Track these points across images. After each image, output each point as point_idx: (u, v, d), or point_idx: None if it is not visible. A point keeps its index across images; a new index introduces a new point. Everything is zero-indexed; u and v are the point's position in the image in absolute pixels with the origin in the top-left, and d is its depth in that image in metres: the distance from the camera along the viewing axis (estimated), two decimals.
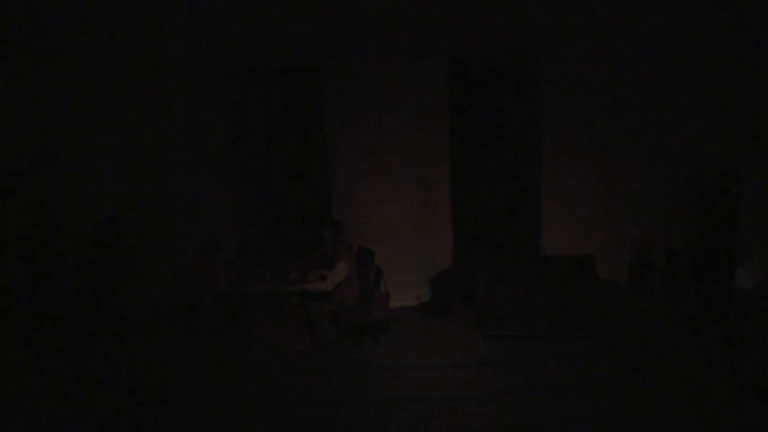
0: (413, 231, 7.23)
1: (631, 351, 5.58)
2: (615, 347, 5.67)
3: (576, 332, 5.89)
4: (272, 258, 6.52)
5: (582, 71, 6.82)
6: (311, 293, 5.75)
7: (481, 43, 6.78)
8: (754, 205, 6.74)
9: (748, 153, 6.76)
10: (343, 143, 7.09)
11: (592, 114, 6.93)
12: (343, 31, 6.68)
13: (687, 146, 6.92)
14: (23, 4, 6.29)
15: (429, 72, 6.93)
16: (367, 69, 6.93)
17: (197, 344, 6.07)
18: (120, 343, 6.19)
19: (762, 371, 4.95)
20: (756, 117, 6.75)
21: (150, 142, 6.88)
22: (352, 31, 6.67)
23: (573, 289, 6.18)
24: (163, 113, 6.84)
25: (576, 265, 6.43)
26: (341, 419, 4.51)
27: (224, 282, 5.97)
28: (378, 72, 6.92)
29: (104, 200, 6.84)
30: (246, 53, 6.84)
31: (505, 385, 4.97)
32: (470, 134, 7.09)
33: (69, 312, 6.49)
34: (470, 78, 6.97)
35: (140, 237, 6.95)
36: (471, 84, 6.98)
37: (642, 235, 7.01)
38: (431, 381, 5.10)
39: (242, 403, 4.79)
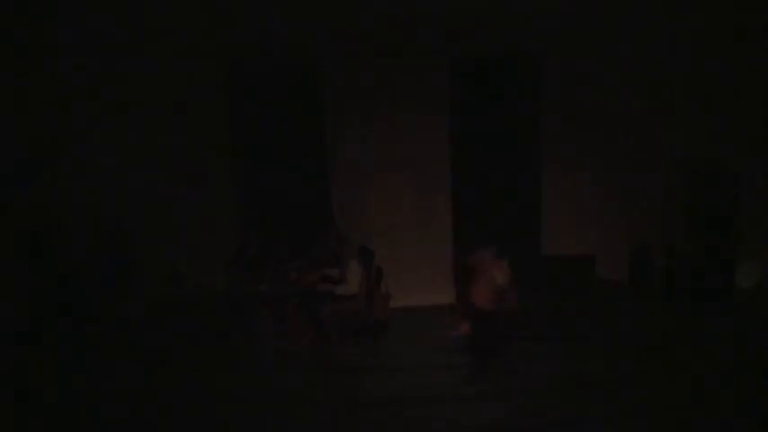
0: (413, 231, 7.23)
1: (631, 351, 5.57)
2: (614, 348, 5.67)
3: (575, 332, 5.88)
4: (271, 259, 6.51)
5: (582, 71, 6.82)
6: (337, 295, 5.88)
7: (481, 43, 6.78)
8: (754, 205, 6.74)
9: (748, 153, 6.76)
10: (343, 143, 7.09)
11: (592, 114, 6.93)
12: (344, 31, 6.68)
13: (687, 146, 6.92)
14: (24, 3, 6.29)
15: (429, 72, 6.93)
16: (367, 69, 6.93)
17: (197, 344, 6.07)
18: (121, 342, 6.19)
19: (762, 370, 4.95)
20: (756, 117, 6.75)
21: (151, 142, 6.88)
22: (353, 31, 6.66)
23: (573, 289, 6.18)
24: (164, 113, 6.83)
25: (576, 265, 6.43)
26: (341, 419, 4.51)
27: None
28: (378, 72, 6.92)
29: (105, 199, 6.84)
30: (247, 53, 6.84)
31: (505, 385, 4.97)
32: (471, 134, 7.09)
33: (70, 311, 6.48)
34: (471, 78, 6.96)
35: (141, 236, 6.94)
36: (471, 84, 6.97)
37: (642, 235, 7.01)
38: (431, 381, 5.10)
39: (242, 403, 4.79)
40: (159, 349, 5.99)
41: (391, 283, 6.47)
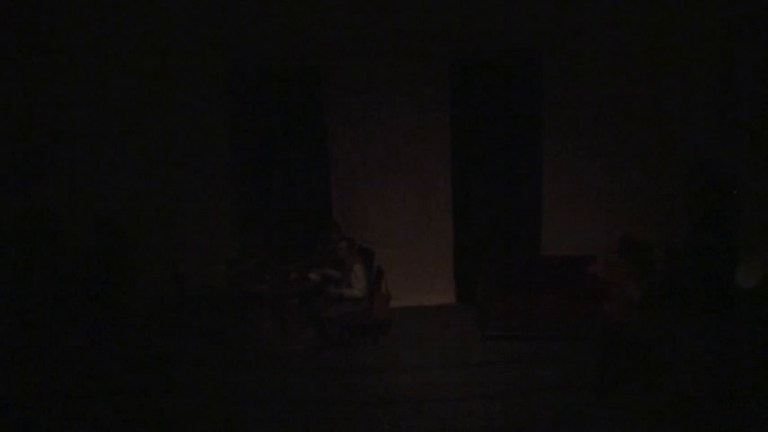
0: (413, 231, 7.23)
1: (631, 351, 5.57)
2: (615, 347, 5.66)
3: (575, 332, 5.88)
4: (272, 259, 6.52)
5: (582, 71, 6.82)
6: (344, 298, 5.90)
7: (481, 43, 6.78)
8: (754, 205, 6.73)
9: (748, 152, 6.75)
10: (343, 144, 7.09)
11: (592, 114, 6.92)
12: (344, 31, 6.68)
13: (687, 145, 6.92)
14: (24, 3, 6.30)
15: (429, 72, 6.93)
16: (367, 70, 6.93)
17: (197, 343, 6.08)
18: (121, 342, 6.20)
19: (762, 371, 4.95)
20: (756, 116, 6.75)
21: (152, 143, 6.88)
22: (353, 31, 6.66)
23: (573, 289, 6.18)
24: (164, 114, 6.83)
25: (576, 265, 6.42)
26: (341, 419, 4.51)
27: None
28: (378, 72, 6.92)
29: (105, 200, 6.84)
30: (247, 54, 6.84)
31: (505, 385, 4.97)
32: (471, 134, 7.08)
33: (69, 311, 6.49)
34: (471, 78, 6.96)
35: (141, 236, 6.94)
36: (472, 84, 6.97)
37: (642, 234, 7.00)
38: (431, 381, 5.11)
39: (242, 403, 4.80)
40: (159, 349, 5.99)
41: (391, 283, 6.48)
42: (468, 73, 6.96)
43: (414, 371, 5.34)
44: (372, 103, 7.00)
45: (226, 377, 5.34)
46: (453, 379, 5.13)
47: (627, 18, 6.57)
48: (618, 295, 4.66)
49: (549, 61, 6.84)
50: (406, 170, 7.14)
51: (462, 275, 7.26)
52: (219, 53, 6.80)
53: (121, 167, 6.88)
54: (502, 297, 6.13)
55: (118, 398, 4.92)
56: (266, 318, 6.02)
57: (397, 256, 7.02)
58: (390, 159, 7.11)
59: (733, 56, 6.67)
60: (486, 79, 6.97)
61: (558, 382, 5.01)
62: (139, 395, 4.96)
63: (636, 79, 6.82)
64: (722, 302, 6.40)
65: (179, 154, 6.93)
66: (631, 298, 4.61)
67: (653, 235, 6.99)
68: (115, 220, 6.84)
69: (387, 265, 6.55)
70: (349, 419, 4.50)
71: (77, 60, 6.62)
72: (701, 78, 6.76)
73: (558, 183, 7.05)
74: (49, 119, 6.64)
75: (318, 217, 7.09)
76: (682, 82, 6.79)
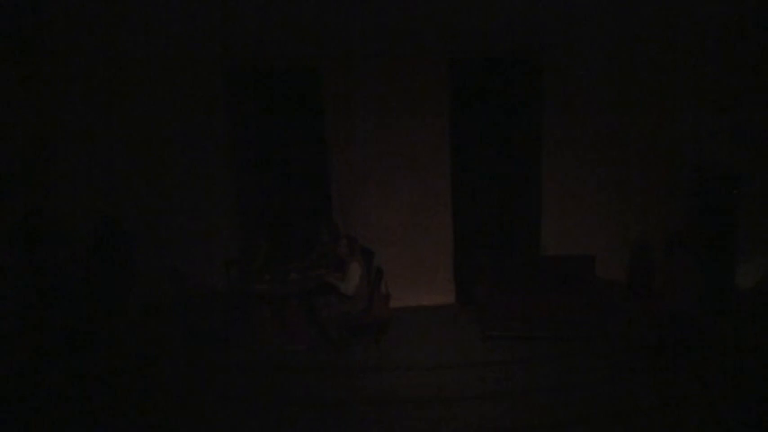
0: (413, 232, 7.23)
1: (630, 351, 5.58)
2: (614, 347, 5.67)
3: (575, 332, 5.89)
4: (272, 259, 6.52)
5: (582, 72, 6.82)
6: (333, 289, 5.89)
7: (481, 44, 6.78)
8: (754, 205, 6.73)
9: (748, 153, 6.76)
10: (343, 143, 7.09)
11: (592, 115, 6.92)
12: (344, 31, 6.68)
13: (687, 146, 6.92)
14: (24, 3, 6.29)
15: (429, 72, 6.93)
16: (367, 69, 6.93)
17: (197, 344, 6.08)
18: (120, 343, 6.20)
19: (762, 371, 4.95)
20: (756, 117, 6.75)
21: (151, 142, 6.88)
22: (353, 31, 6.67)
23: (573, 289, 6.18)
24: (164, 113, 6.83)
25: (576, 265, 6.43)
26: (341, 419, 4.51)
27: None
28: (378, 72, 6.92)
29: (104, 200, 6.84)
30: (247, 54, 6.84)
31: (506, 385, 4.98)
32: (470, 134, 7.08)
33: (68, 312, 6.49)
34: (470, 79, 6.96)
35: (141, 237, 6.94)
36: (471, 84, 6.97)
37: (642, 235, 7.01)
38: (431, 381, 5.11)
39: (242, 403, 4.80)
40: (158, 349, 5.99)
41: (391, 283, 6.48)
42: (467, 73, 6.96)
43: (414, 371, 5.34)
44: (372, 103, 7.00)
45: (226, 377, 5.34)
46: (453, 379, 5.13)
47: (627, 18, 6.57)
48: (681, 287, 4.90)
49: (548, 61, 6.84)
50: (406, 170, 7.14)
51: (462, 275, 7.27)
52: (218, 53, 6.80)
53: (121, 167, 6.88)
54: (502, 297, 6.13)
55: (117, 398, 4.92)
56: (266, 318, 6.02)
57: (397, 255, 7.02)
58: (390, 159, 7.11)
59: (734, 56, 6.67)
60: (485, 79, 6.97)
61: (558, 382, 5.01)
62: (138, 395, 4.96)
63: (636, 79, 6.82)
64: (722, 302, 6.40)
65: (179, 154, 6.93)
66: (696, 290, 4.87)
67: (653, 235, 7.03)
68: (115, 220, 6.83)
69: (387, 264, 6.53)
70: (349, 419, 4.50)
71: (76, 60, 6.61)
72: (702, 78, 6.76)
73: (558, 183, 7.05)
74: (48, 119, 6.64)
75: (318, 217, 7.09)
76: (682, 82, 6.80)
